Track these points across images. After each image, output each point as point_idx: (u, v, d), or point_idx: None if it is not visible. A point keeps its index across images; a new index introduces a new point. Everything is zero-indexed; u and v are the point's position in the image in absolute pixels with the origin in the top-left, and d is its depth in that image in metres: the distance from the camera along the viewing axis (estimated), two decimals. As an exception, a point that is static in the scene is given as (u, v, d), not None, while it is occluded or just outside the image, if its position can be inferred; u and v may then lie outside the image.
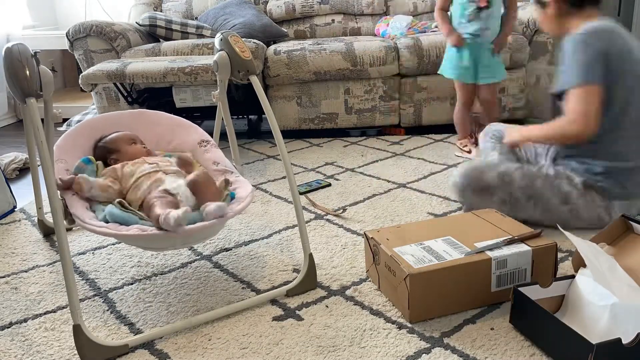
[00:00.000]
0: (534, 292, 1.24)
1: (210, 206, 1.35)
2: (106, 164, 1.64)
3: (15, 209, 2.15)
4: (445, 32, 2.47)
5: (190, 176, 1.47)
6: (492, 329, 1.28)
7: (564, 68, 1.67)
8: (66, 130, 1.70)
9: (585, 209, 1.68)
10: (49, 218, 1.87)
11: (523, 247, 1.38)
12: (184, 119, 1.83)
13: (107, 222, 1.39)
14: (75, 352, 1.22)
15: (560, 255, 1.59)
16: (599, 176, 1.67)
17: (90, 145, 1.68)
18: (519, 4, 3.12)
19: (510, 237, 1.41)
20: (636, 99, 1.65)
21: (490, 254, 1.35)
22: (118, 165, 1.55)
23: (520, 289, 1.24)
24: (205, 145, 1.76)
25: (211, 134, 1.84)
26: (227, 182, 1.56)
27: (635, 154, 1.67)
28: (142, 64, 2.46)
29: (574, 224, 1.70)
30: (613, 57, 1.61)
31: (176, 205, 1.38)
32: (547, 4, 1.75)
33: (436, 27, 3.08)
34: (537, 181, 1.69)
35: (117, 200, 1.44)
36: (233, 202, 1.46)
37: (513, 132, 1.88)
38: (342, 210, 1.97)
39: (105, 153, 1.64)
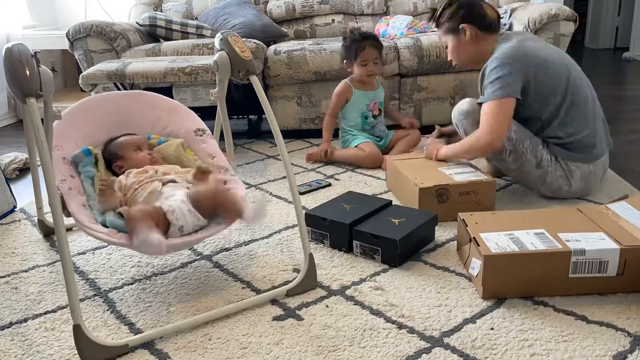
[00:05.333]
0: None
1: (248, 212, 1.40)
2: (110, 166, 1.65)
3: (15, 209, 2.15)
4: (323, 141, 2.62)
5: (194, 194, 1.44)
6: (492, 328, 1.28)
7: (486, 84, 1.90)
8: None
9: (552, 175, 1.91)
10: (49, 218, 1.87)
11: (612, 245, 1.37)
12: (181, 104, 1.82)
13: (105, 226, 1.40)
14: (75, 352, 1.22)
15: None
16: (566, 144, 1.90)
17: (88, 128, 1.68)
18: (520, 3, 3.17)
19: None
20: (572, 90, 1.90)
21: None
22: (122, 177, 1.55)
23: None
24: (201, 135, 1.74)
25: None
26: None
27: (586, 127, 1.91)
28: (142, 64, 2.46)
29: (539, 190, 1.97)
30: (535, 69, 1.86)
31: (165, 224, 1.37)
32: (461, 31, 1.97)
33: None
34: (526, 141, 1.89)
35: (118, 210, 1.44)
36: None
37: (437, 150, 2.09)
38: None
39: (111, 156, 1.66)
